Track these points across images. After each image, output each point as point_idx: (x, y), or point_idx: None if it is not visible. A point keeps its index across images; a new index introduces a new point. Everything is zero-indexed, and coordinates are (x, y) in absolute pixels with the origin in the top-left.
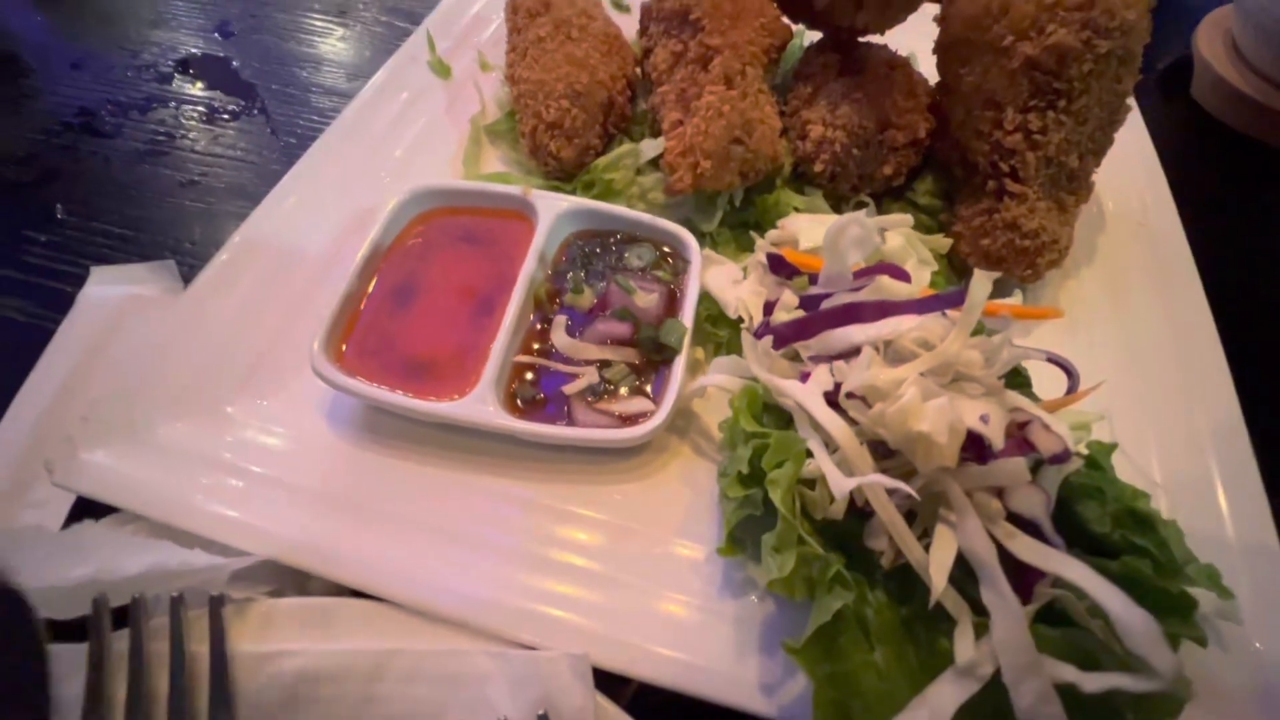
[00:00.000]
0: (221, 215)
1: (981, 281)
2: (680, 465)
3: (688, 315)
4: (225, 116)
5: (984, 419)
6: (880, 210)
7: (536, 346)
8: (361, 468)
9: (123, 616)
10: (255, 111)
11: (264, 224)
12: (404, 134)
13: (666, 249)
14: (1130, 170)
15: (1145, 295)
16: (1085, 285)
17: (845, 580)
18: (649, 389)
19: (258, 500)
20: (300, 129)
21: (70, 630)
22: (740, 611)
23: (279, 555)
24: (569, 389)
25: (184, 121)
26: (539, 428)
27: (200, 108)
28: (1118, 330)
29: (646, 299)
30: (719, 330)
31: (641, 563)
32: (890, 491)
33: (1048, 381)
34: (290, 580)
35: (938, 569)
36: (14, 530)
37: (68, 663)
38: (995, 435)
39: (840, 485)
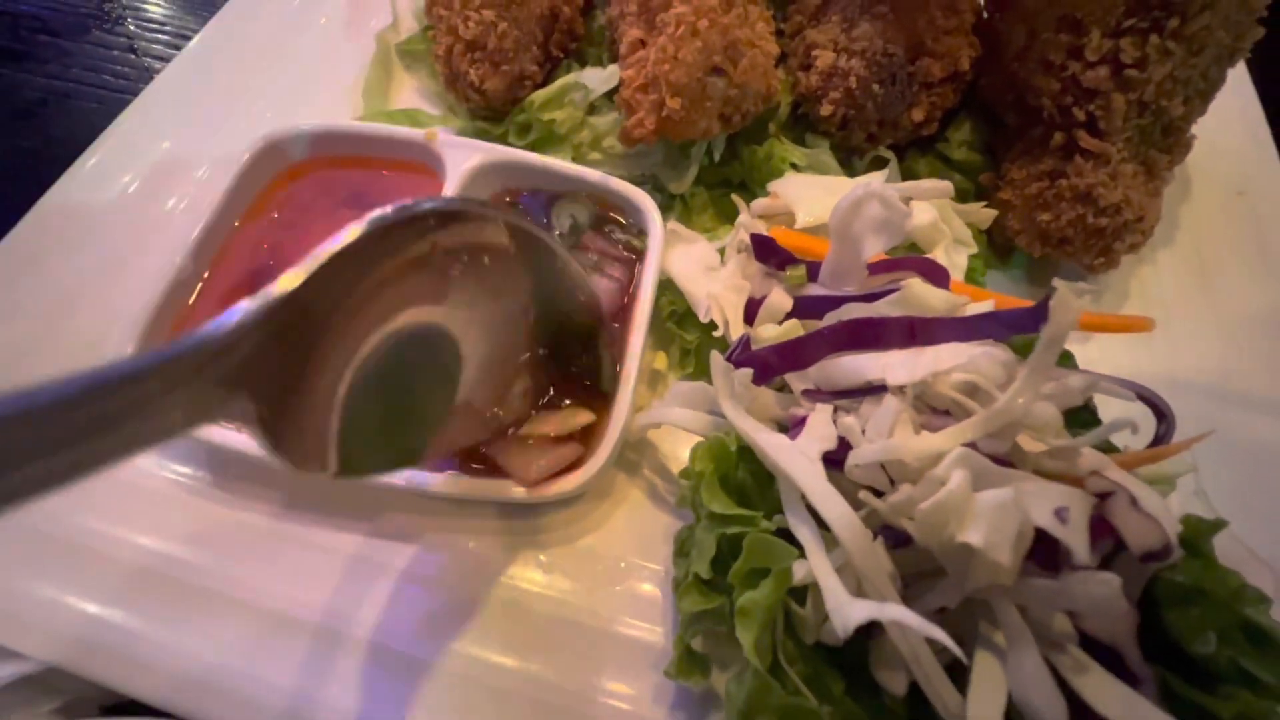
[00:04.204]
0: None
1: (1067, 304)
2: (627, 514)
3: (642, 311)
4: (73, 28)
5: (1061, 515)
6: (902, 165)
7: None
8: (192, 528)
9: None
10: (109, 19)
11: (71, 187)
12: (289, 54)
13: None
14: (1224, 119)
15: (1244, 287)
16: (1164, 272)
17: None
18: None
19: (34, 575)
20: (168, 44)
21: None
22: None
23: (63, 659)
24: None
25: (21, 34)
26: (418, 479)
27: (42, 13)
28: (1207, 334)
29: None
30: (687, 333)
31: (568, 653)
32: None
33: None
34: (85, 694)
35: None
36: None
37: None
38: (1078, 540)
39: (846, 615)
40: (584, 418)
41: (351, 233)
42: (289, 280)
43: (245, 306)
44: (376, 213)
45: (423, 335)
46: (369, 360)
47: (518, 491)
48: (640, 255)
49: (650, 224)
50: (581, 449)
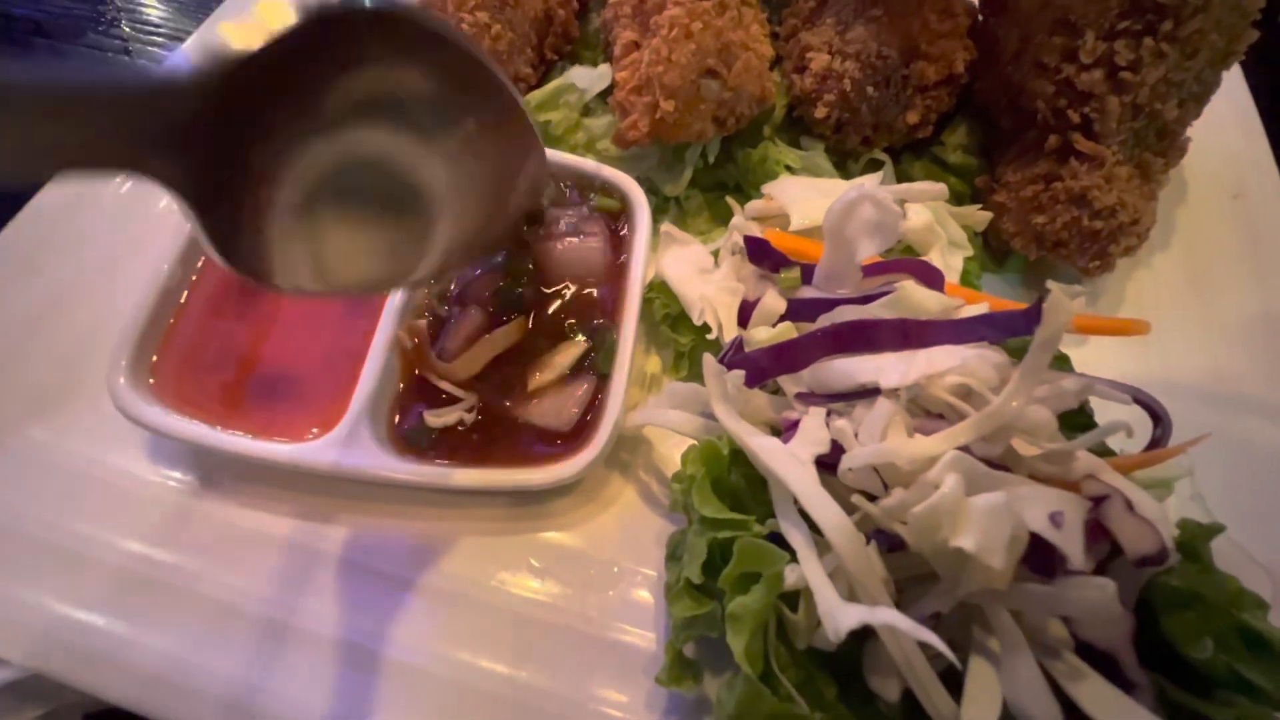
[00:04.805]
0: None
1: (1059, 306)
2: (620, 517)
3: (630, 308)
4: (67, 30)
5: (1055, 519)
6: (897, 168)
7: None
8: (179, 532)
9: None
10: (103, 21)
11: (64, 187)
12: None
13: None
14: (1219, 122)
15: (1239, 290)
16: (1160, 275)
17: None
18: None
19: (19, 580)
20: (163, 46)
21: None
22: None
23: (48, 667)
24: (435, 420)
25: (15, 36)
26: (413, 471)
27: (36, 16)
28: (1202, 336)
29: (566, 250)
30: (681, 335)
31: (559, 658)
32: None
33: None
34: (71, 700)
35: None
36: None
37: None
38: (1073, 545)
39: (838, 619)
40: (576, 349)
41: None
42: (244, 41)
43: (198, 63)
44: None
45: (381, 146)
46: (322, 162)
47: (520, 478)
48: (612, 216)
49: (638, 211)
50: (592, 379)
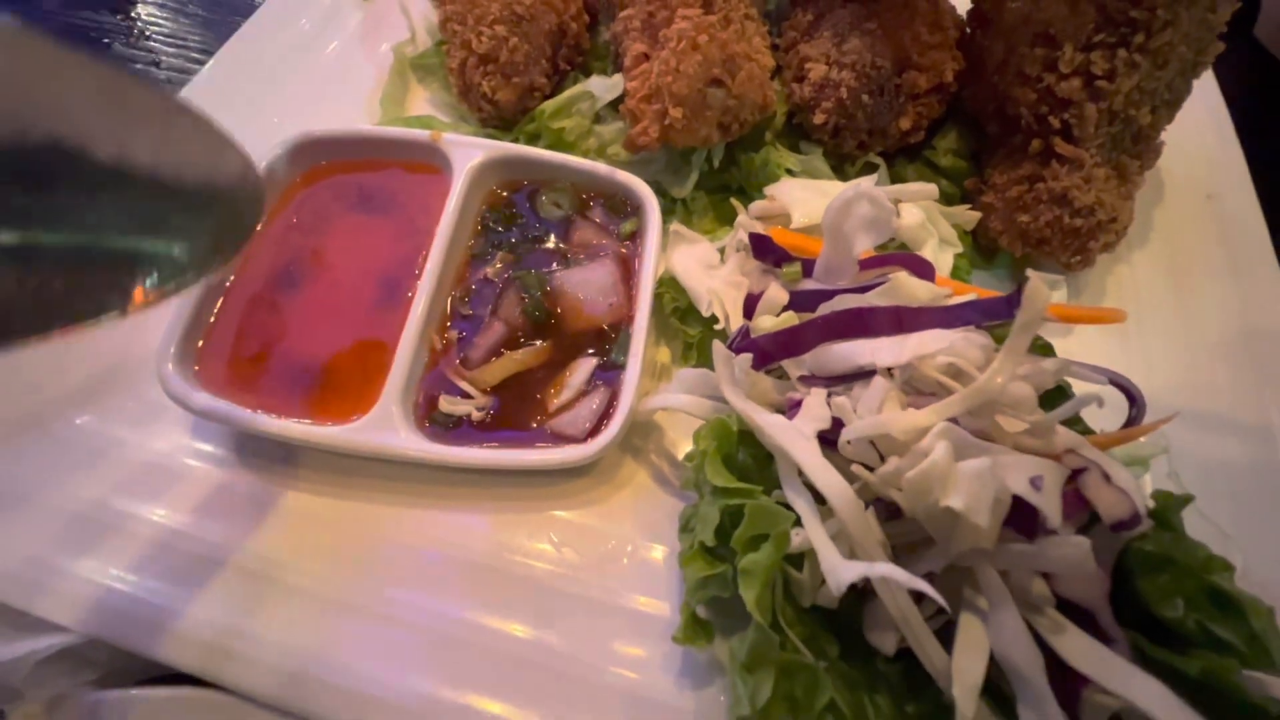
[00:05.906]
0: None
1: (1038, 292)
2: (633, 497)
3: (643, 302)
4: (92, 34)
5: (1035, 483)
6: (891, 171)
7: (458, 337)
8: (226, 507)
9: None
10: (132, 34)
11: None
12: (307, 63)
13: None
14: (1194, 127)
15: (1213, 285)
16: (1139, 271)
17: (841, 713)
18: (600, 384)
19: (74, 553)
20: (192, 58)
21: None
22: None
23: (104, 632)
24: (448, 406)
25: None
26: (440, 451)
27: (61, 29)
28: (1179, 328)
29: (583, 282)
30: (690, 327)
31: (579, 624)
32: None
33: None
34: (122, 665)
35: (966, 687)
36: None
37: None
38: (1051, 506)
39: (839, 574)
40: (589, 363)
41: None
42: None
43: None
44: None
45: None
46: None
47: (540, 459)
48: (631, 239)
49: (649, 211)
50: (608, 391)
